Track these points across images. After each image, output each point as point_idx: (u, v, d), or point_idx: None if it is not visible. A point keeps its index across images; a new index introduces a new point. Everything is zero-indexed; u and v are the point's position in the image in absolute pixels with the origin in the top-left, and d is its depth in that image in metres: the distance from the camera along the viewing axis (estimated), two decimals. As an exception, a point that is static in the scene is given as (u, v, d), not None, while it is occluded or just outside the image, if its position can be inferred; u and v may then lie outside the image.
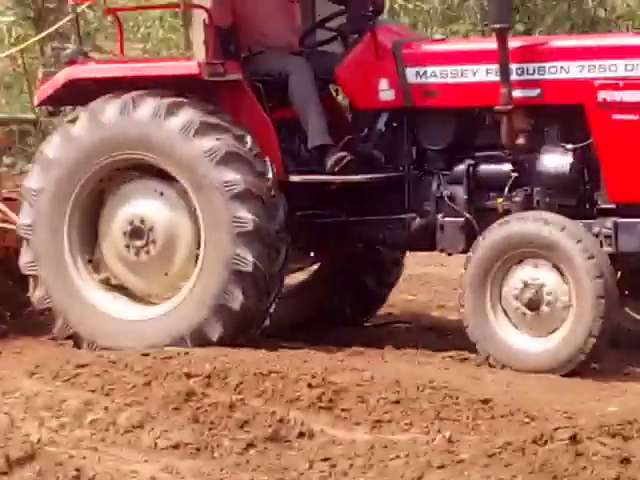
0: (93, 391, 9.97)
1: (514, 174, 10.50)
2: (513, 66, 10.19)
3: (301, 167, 10.90)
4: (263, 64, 11.06)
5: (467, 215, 10.54)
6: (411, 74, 10.50)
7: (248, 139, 10.66)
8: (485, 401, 9.80)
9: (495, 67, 10.24)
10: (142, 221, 10.80)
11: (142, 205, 10.87)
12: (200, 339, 10.65)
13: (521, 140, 10.27)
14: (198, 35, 11.66)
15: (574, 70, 10.51)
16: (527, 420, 9.44)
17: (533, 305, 10.28)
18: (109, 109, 10.82)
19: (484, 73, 10.33)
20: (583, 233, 10.14)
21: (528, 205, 10.46)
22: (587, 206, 10.79)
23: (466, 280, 10.22)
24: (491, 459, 8.36)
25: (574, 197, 10.68)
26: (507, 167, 10.51)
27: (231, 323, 10.65)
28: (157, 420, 9.28)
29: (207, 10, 11.38)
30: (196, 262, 10.71)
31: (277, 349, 11.49)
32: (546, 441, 8.59)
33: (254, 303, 10.66)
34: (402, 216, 10.78)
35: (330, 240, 11.58)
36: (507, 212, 10.48)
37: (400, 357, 11.79)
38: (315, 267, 12.63)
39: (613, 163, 10.64)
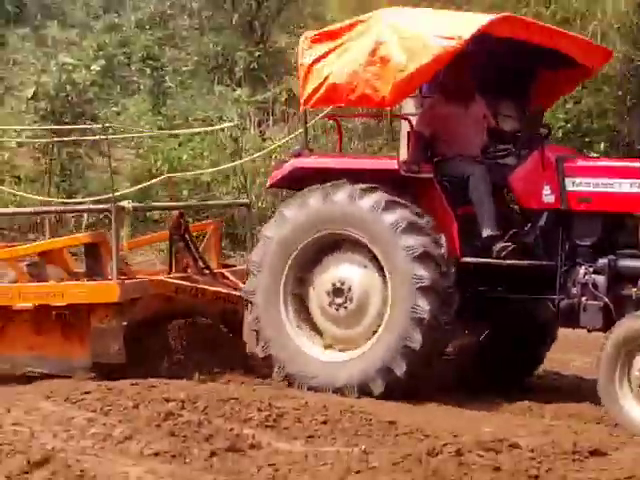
0: (94, 411, 10.01)
1: None
2: None
3: (475, 251, 10.54)
4: (451, 168, 10.79)
5: (606, 300, 10.11)
6: (569, 183, 10.23)
7: (425, 216, 10.39)
8: (391, 422, 9.94)
9: (637, 182, 9.97)
10: (342, 283, 10.55)
11: (342, 270, 10.61)
12: (387, 376, 10.32)
13: None
14: (403, 139, 11.64)
15: None
16: (422, 437, 9.49)
17: None
18: (314, 195, 10.60)
19: (628, 186, 9.98)
20: None
21: None
22: None
23: (603, 357, 9.70)
24: (395, 467, 8.41)
25: None
26: None
27: (413, 362, 10.23)
28: (143, 434, 9.29)
29: (409, 121, 11.35)
30: (383, 314, 10.39)
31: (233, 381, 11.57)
32: (437, 453, 8.65)
33: (430, 345, 10.30)
34: (553, 297, 10.43)
35: (495, 312, 11.04)
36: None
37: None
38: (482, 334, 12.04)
39: None
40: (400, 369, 10.11)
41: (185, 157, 27.55)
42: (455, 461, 8.51)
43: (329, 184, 10.48)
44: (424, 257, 10.07)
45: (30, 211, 15.07)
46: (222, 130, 25.70)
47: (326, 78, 10.75)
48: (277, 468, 8.49)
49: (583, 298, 10.16)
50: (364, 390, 10.29)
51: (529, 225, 10.49)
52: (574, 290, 10.24)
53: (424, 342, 10.08)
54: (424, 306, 10.02)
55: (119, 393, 10.50)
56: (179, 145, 28.61)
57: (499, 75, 11.38)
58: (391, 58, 10.35)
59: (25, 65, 30.48)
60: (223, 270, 12.56)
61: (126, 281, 11.27)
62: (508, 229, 10.43)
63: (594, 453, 8.98)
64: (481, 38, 10.31)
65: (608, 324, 10.01)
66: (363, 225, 10.31)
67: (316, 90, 10.83)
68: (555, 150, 10.56)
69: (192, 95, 32.42)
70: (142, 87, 33.67)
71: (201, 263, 12.53)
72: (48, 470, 8.27)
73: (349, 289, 10.49)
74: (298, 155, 11.12)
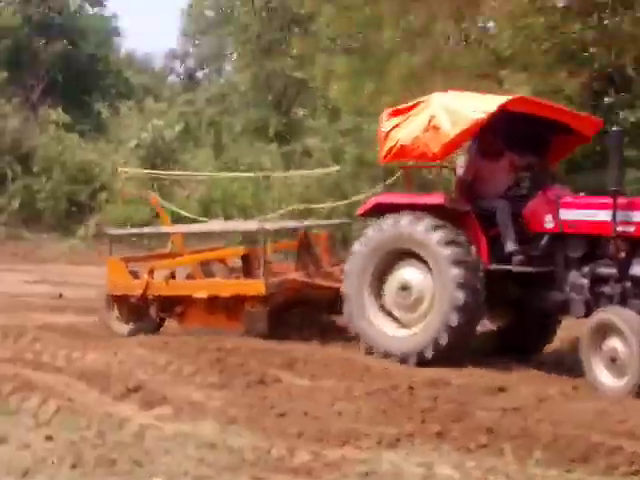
0: (171, 355, 10.01)
1: (615, 274, 9.74)
2: (619, 212, 9.51)
3: (499, 261, 10.28)
4: (484, 203, 10.60)
5: (588, 296, 9.93)
6: (563, 213, 10.05)
7: (462, 234, 10.25)
8: (367, 368, 9.85)
9: (609, 212, 9.58)
10: (406, 282, 10.47)
11: (406, 274, 10.48)
12: (435, 346, 10.02)
13: (622, 255, 9.63)
14: (453, 182, 11.46)
15: None
16: (387, 377, 9.42)
17: None
18: (387, 221, 10.53)
19: (603, 215, 9.63)
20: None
21: (622, 298, 9.71)
22: None
23: (584, 337, 9.27)
24: (369, 396, 8.45)
25: None
26: (613, 270, 9.73)
27: (451, 337, 10.00)
28: (202, 371, 9.36)
29: (454, 170, 11.29)
30: (432, 303, 10.24)
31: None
32: (397, 388, 8.71)
33: (464, 324, 10.04)
34: (552, 293, 10.24)
35: (515, 305, 10.85)
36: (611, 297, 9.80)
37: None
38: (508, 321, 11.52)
39: None
40: (443, 340, 9.98)
41: (235, 188, 27.81)
42: (408, 393, 8.57)
43: (398, 214, 10.51)
44: (459, 263, 10.01)
45: (197, 230, 15.08)
46: (261, 171, 25.88)
47: (397, 141, 10.80)
48: (291, 395, 8.53)
49: (572, 294, 10.07)
50: (420, 357, 10.12)
51: (536, 243, 10.31)
52: (567, 288, 10.12)
53: (459, 322, 9.95)
54: (460, 297, 9.94)
55: (188, 343, 10.52)
56: (232, 181, 28.83)
57: (524, 137, 11.13)
58: (440, 127, 10.42)
59: (130, 126, 30.56)
60: (334, 268, 12.59)
61: (269, 280, 11.51)
62: (523, 245, 10.30)
63: (501, 389, 9.01)
64: (504, 112, 10.30)
65: (589, 313, 9.88)
66: (419, 243, 10.28)
67: (390, 150, 10.87)
68: (555, 190, 10.41)
69: (240, 148, 32.55)
70: (207, 142, 33.79)
71: (317, 265, 12.81)
72: (140, 394, 8.35)
73: (410, 287, 10.44)
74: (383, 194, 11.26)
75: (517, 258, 10.23)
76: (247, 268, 12.31)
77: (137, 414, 7.79)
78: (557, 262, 10.24)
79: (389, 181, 13.18)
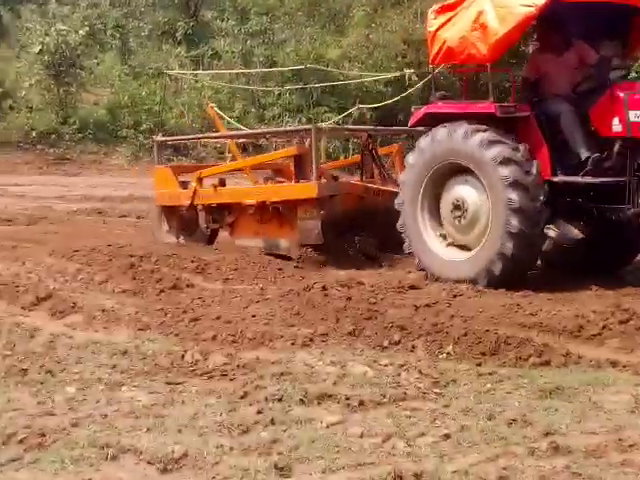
0: (82, 263, 9.93)
1: None
2: None
3: (566, 172, 9.15)
4: (548, 105, 9.44)
5: None
6: (632, 115, 8.85)
7: (521, 149, 9.06)
8: (280, 269, 9.96)
9: None
10: (460, 201, 9.43)
11: (460, 191, 9.42)
12: (487, 274, 9.07)
13: None
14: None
15: None
16: (300, 278, 9.52)
17: None
18: (440, 132, 9.48)
19: None
20: None
21: None
22: None
23: None
24: (282, 298, 8.49)
25: None
26: None
27: (505, 265, 8.97)
28: (114, 278, 9.28)
29: (509, 72, 10.56)
30: (488, 227, 9.22)
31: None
32: (310, 289, 8.75)
33: (520, 253, 8.94)
34: (623, 206, 8.95)
35: (587, 218, 9.60)
36: None
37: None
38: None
39: None
40: (497, 269, 9.00)
41: (143, 93, 27.35)
42: (322, 294, 8.60)
43: (451, 124, 9.42)
44: (516, 185, 8.92)
45: (252, 132, 13.62)
46: (168, 75, 25.44)
47: (444, 42, 9.77)
48: (204, 300, 8.52)
49: None
50: (473, 282, 9.13)
51: (604, 150, 9.08)
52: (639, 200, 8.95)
53: (515, 250, 8.93)
54: (514, 223, 8.90)
55: (98, 251, 10.38)
56: (139, 86, 28.35)
57: (598, 23, 9.80)
58: (488, 25, 9.38)
59: (33, 31, 29.68)
60: None
61: (322, 181, 10.62)
62: (590, 153, 9.11)
63: (412, 287, 9.10)
64: (561, 2, 9.24)
65: None
66: (473, 159, 9.20)
67: (438, 52, 9.84)
68: (626, 87, 9.13)
69: (148, 52, 31.93)
70: (113, 47, 33.07)
71: (383, 172, 11.67)
72: (51, 303, 8.25)
73: (464, 206, 9.41)
74: (434, 102, 10.05)
75: (584, 168, 9.12)
76: (299, 172, 11.13)
77: (48, 323, 7.70)
78: (628, 170, 9.05)
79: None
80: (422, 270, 9.72)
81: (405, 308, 8.06)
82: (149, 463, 4.57)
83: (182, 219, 11.78)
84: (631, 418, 5.41)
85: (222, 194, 11.38)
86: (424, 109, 10.02)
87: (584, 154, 9.13)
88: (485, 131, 9.22)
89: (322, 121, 24.53)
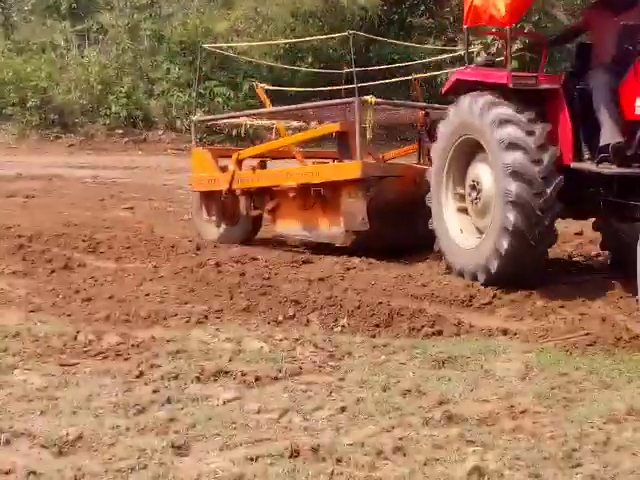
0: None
1: None
2: None
3: (591, 158, 7.92)
4: (584, 78, 8.14)
5: None
6: None
7: (537, 132, 7.92)
8: (173, 246, 9.87)
9: None
10: (476, 181, 8.32)
11: (477, 170, 8.37)
12: (485, 270, 7.99)
13: None
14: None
15: None
16: (194, 255, 9.48)
17: None
18: (463, 103, 8.43)
19: None
20: None
21: None
22: None
23: None
24: (176, 275, 8.47)
25: None
26: None
27: (501, 263, 7.85)
28: (3, 260, 9.05)
29: (534, 36, 9.46)
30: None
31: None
32: (203, 265, 8.76)
33: (517, 252, 7.78)
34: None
35: (599, 209, 8.28)
36: None
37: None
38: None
39: None
40: (493, 267, 7.97)
41: (28, 69, 26.78)
42: (215, 270, 8.62)
43: (476, 93, 8.42)
44: (515, 175, 7.81)
45: (293, 108, 11.30)
46: (54, 50, 24.89)
47: (472, 2, 8.74)
48: (96, 279, 8.41)
49: None
50: (474, 278, 8.17)
51: (628, 135, 7.77)
52: None
53: (510, 248, 7.83)
54: (511, 219, 7.77)
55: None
56: (24, 62, 27.75)
57: None
58: None
59: None
60: None
61: (367, 160, 9.66)
62: (615, 139, 7.76)
63: (306, 262, 9.16)
64: None
65: None
66: (484, 136, 8.21)
67: (468, 12, 8.81)
68: None
69: (32, 27, 31.25)
70: (-5, 21, 32.30)
71: None
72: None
73: (480, 186, 8.36)
74: (465, 69, 8.99)
75: (602, 155, 7.83)
76: (342, 151, 10.19)
77: None
78: None
79: None
80: (440, 251, 8.82)
81: (299, 282, 8.13)
82: (43, 447, 4.50)
83: (222, 206, 10.74)
84: (522, 385, 5.56)
85: (260, 177, 10.38)
86: (456, 74, 9.21)
87: (606, 139, 7.80)
88: (502, 106, 8.20)
89: (215, 95, 24.45)
